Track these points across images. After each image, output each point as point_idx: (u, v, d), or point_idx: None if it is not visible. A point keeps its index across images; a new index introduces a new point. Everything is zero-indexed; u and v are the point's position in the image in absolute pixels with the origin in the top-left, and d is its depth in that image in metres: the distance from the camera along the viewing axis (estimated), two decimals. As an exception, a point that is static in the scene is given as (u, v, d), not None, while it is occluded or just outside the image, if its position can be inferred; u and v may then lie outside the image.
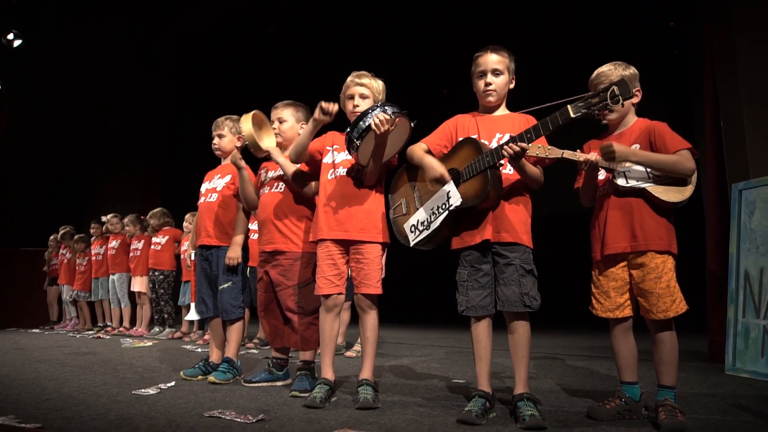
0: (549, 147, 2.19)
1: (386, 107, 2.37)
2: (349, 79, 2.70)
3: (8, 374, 3.26)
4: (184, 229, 6.25)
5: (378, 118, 2.32)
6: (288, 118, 3.04)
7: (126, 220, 6.88)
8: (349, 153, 2.52)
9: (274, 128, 3.06)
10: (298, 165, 2.85)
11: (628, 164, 2.16)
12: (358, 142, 2.40)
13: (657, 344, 2.14)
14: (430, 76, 8.88)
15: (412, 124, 2.46)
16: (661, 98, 7.79)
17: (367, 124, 2.35)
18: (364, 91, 2.66)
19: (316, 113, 2.59)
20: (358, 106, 2.63)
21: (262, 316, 3.02)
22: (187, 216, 6.17)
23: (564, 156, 2.19)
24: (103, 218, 7.13)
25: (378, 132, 2.33)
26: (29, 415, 2.14)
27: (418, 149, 2.44)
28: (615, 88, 1.97)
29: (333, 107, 2.58)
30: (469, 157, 2.25)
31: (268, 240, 2.94)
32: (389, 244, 2.64)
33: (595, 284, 2.27)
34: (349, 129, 2.45)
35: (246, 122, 2.96)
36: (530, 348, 2.25)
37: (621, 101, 1.97)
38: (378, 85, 2.70)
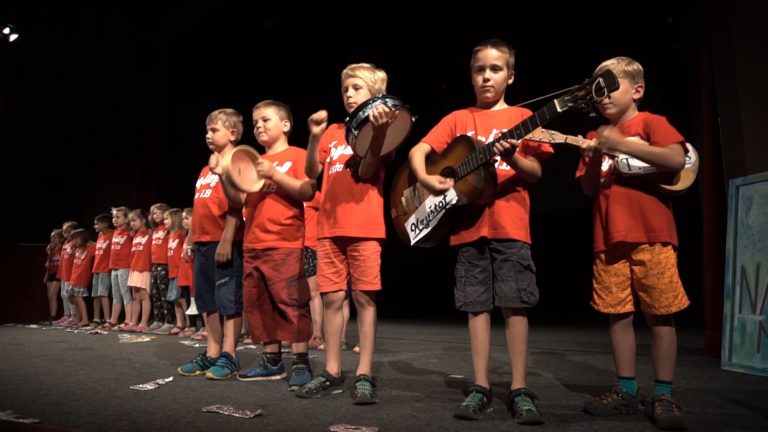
0: (553, 132, 2.19)
1: (387, 99, 2.35)
2: (343, 72, 2.70)
3: (6, 369, 3.26)
4: (166, 225, 6.28)
5: (377, 109, 2.30)
6: (271, 117, 3.05)
7: (131, 215, 6.85)
8: (347, 142, 2.52)
9: (259, 127, 3.06)
10: (307, 178, 2.85)
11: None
12: (356, 132, 2.39)
13: (655, 339, 2.14)
14: (429, 70, 8.87)
15: (413, 119, 2.44)
16: (659, 94, 7.79)
17: (366, 114, 2.33)
18: (357, 81, 2.65)
19: (311, 128, 2.60)
20: (351, 97, 2.64)
21: (248, 311, 3.02)
22: (165, 213, 6.21)
23: (567, 141, 2.19)
24: (113, 210, 7.08)
25: (376, 124, 2.32)
26: (27, 411, 2.14)
27: (418, 156, 2.40)
28: (600, 80, 1.94)
29: (321, 114, 2.59)
30: (464, 155, 2.25)
31: (258, 237, 2.94)
32: (386, 240, 2.64)
33: (596, 279, 2.28)
34: (348, 118, 2.43)
35: (226, 157, 2.90)
36: (528, 343, 2.25)
37: (606, 93, 1.96)
38: (374, 75, 2.68)
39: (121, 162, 9.51)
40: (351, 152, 2.58)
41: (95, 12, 8.85)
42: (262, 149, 3.16)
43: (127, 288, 6.77)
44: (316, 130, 2.59)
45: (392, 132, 2.44)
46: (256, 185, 2.96)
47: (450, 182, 2.23)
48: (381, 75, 2.72)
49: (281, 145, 3.10)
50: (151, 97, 9.63)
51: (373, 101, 2.35)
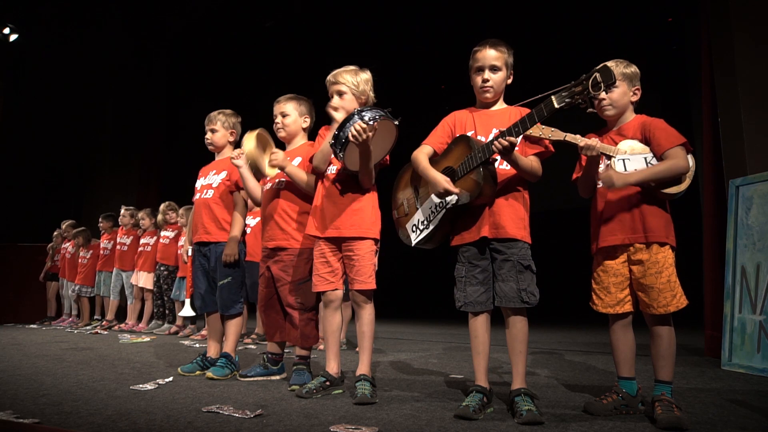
0: (552, 129, 2.20)
1: (364, 113, 2.36)
2: (326, 79, 2.71)
3: (6, 369, 3.26)
4: (181, 223, 6.24)
5: (355, 128, 2.32)
6: (291, 112, 3.02)
7: (141, 214, 6.83)
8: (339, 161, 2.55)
9: (277, 123, 3.05)
10: (313, 172, 2.84)
11: (627, 152, 2.17)
12: (341, 155, 2.44)
13: (655, 339, 2.15)
14: (429, 70, 8.87)
15: (396, 123, 2.44)
16: (659, 93, 7.80)
17: (346, 135, 2.36)
18: (341, 87, 2.67)
19: (332, 116, 2.64)
20: (335, 104, 2.66)
21: (262, 311, 3.03)
22: (180, 211, 6.18)
23: (566, 139, 2.20)
24: (122, 209, 7.06)
25: (357, 142, 2.34)
26: (27, 411, 2.14)
27: (422, 157, 2.40)
28: (597, 75, 1.94)
29: (337, 101, 2.66)
30: (463, 155, 2.25)
31: (270, 236, 2.94)
32: (380, 239, 2.65)
33: (595, 280, 2.28)
34: (332, 141, 2.45)
35: (249, 141, 2.86)
36: (528, 343, 2.25)
37: (603, 88, 1.96)
38: (357, 78, 2.68)
39: (121, 162, 9.50)
40: None
41: (95, 12, 8.84)
42: (280, 145, 3.15)
43: (131, 288, 6.77)
44: (338, 117, 2.59)
45: (378, 141, 2.45)
46: (271, 171, 2.94)
47: (457, 189, 2.22)
48: (365, 76, 2.71)
49: (299, 141, 3.07)
50: (151, 97, 9.63)
51: (351, 120, 2.36)
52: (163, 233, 6.44)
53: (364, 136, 2.32)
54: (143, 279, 6.57)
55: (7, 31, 8.61)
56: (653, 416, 2.01)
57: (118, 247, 6.94)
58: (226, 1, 8.23)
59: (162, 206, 6.49)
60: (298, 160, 2.96)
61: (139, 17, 9.08)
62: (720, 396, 2.54)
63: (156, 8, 8.84)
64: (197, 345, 4.77)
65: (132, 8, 8.91)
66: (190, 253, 3.47)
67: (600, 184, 2.27)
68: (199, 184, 3.39)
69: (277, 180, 2.97)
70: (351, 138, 2.34)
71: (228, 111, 3.41)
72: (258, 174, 2.97)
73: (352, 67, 2.72)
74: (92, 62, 9.34)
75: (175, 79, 9.81)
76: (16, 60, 9.04)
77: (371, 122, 2.34)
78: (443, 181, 2.25)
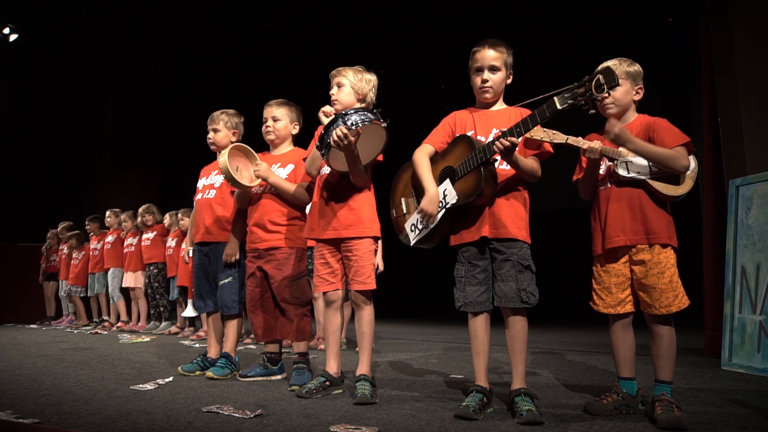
0: (554, 132, 2.19)
1: (348, 117, 2.35)
2: (330, 73, 2.73)
3: (6, 369, 3.26)
4: (166, 224, 6.32)
5: (336, 134, 2.32)
6: (282, 117, 3.05)
7: (123, 216, 6.92)
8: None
9: (268, 126, 3.05)
10: (303, 182, 2.87)
11: (630, 155, 2.17)
12: (325, 158, 2.45)
13: (655, 339, 2.15)
14: (429, 70, 8.87)
15: (383, 125, 2.43)
16: (659, 94, 7.80)
17: (329, 139, 2.37)
18: (341, 80, 2.68)
19: (322, 121, 2.66)
20: (333, 94, 2.69)
21: (251, 311, 3.03)
22: (167, 214, 6.26)
23: (568, 142, 2.19)
24: (108, 212, 7.21)
25: (339, 147, 2.35)
26: (27, 411, 2.14)
27: (422, 158, 2.39)
28: (600, 76, 1.94)
29: (330, 109, 2.68)
30: (464, 155, 2.25)
31: (261, 238, 2.95)
32: (380, 237, 2.66)
33: (596, 280, 2.28)
34: (318, 144, 2.46)
35: (222, 158, 2.88)
36: (527, 343, 2.25)
37: (606, 89, 1.96)
38: (360, 75, 2.69)
39: (121, 162, 9.50)
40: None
41: (95, 12, 8.84)
42: (266, 147, 3.16)
43: (116, 286, 6.87)
44: (326, 122, 2.60)
45: (366, 143, 2.45)
46: (254, 182, 2.97)
47: (434, 219, 2.27)
48: (368, 77, 2.71)
49: (286, 147, 3.10)
50: (151, 97, 9.62)
51: (335, 123, 2.37)
52: (144, 235, 6.58)
53: (346, 142, 2.33)
54: (129, 279, 6.68)
55: (7, 31, 8.61)
56: (653, 416, 2.01)
57: (105, 246, 7.12)
58: (226, 1, 8.23)
59: (140, 209, 6.64)
60: (290, 167, 2.98)
61: (139, 17, 9.08)
62: (720, 396, 2.54)
63: (156, 8, 8.84)
64: (197, 345, 4.77)
65: (132, 8, 8.91)
66: (191, 254, 3.46)
67: (602, 186, 2.27)
68: (200, 184, 3.39)
69: (267, 185, 2.98)
70: (332, 143, 2.35)
71: (231, 111, 3.41)
72: (237, 186, 2.97)
73: (358, 67, 2.73)
74: (92, 62, 9.33)
75: (175, 79, 9.80)
76: (16, 60, 9.03)
77: (354, 126, 2.34)
78: (434, 205, 2.26)
